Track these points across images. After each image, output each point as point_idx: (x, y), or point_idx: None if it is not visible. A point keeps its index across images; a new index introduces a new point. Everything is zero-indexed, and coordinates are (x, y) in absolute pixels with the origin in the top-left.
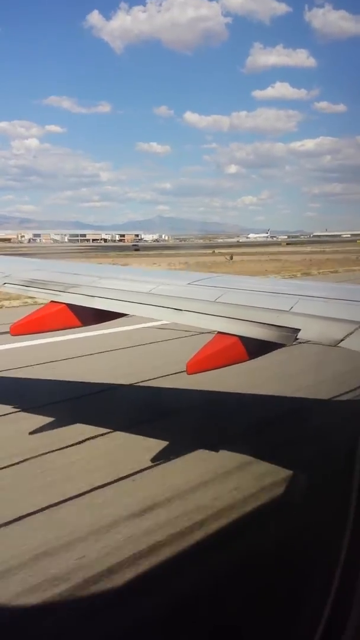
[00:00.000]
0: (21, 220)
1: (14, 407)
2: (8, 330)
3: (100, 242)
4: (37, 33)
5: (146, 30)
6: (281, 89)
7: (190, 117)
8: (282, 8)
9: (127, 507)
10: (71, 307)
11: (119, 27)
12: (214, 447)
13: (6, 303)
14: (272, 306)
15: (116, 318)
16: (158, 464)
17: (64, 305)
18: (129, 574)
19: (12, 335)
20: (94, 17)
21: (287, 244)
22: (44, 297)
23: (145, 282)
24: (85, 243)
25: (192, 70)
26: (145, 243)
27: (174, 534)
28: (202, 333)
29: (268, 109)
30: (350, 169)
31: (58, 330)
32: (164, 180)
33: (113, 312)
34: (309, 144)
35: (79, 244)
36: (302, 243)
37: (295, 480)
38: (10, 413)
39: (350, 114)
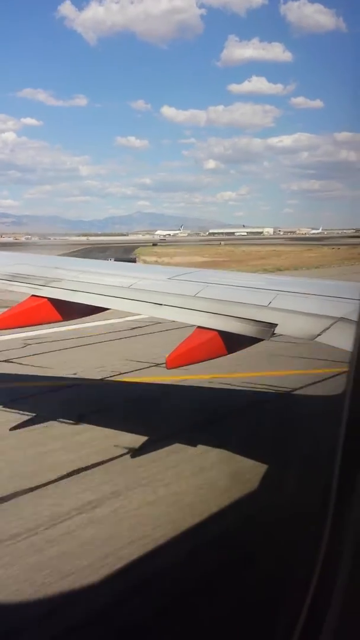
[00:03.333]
0: None
1: None
2: None
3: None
4: (8, 23)
5: (119, 21)
6: (257, 84)
7: (168, 111)
8: (258, 1)
9: None
10: (52, 301)
11: (92, 18)
12: None
13: None
14: (251, 301)
15: (97, 312)
16: None
17: (44, 299)
18: None
19: None
20: (66, 8)
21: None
22: (25, 291)
23: (126, 277)
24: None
25: (168, 64)
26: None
27: None
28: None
29: (245, 103)
30: (328, 166)
31: (38, 324)
32: (144, 175)
33: (94, 306)
34: (287, 140)
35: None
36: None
37: None
38: None
39: (326, 110)
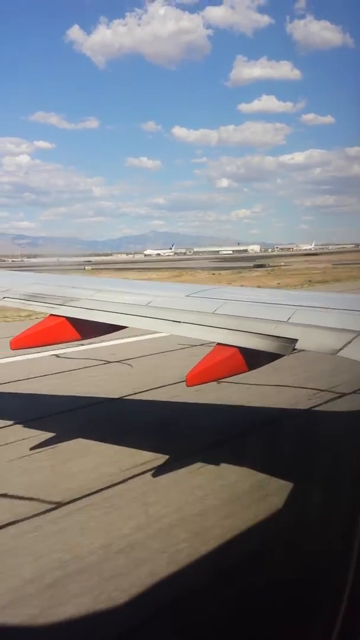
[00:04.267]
0: (14, 236)
1: None
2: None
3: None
4: (18, 48)
5: (127, 44)
6: (267, 102)
7: (179, 131)
8: (265, 20)
9: None
10: (70, 320)
11: (100, 41)
12: None
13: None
14: (270, 317)
15: (115, 331)
16: None
17: (63, 318)
18: None
19: (12, 349)
20: (75, 32)
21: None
22: (43, 310)
23: (143, 295)
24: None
25: (177, 84)
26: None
27: None
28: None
29: (255, 122)
30: (341, 181)
31: (57, 343)
32: (157, 195)
33: (112, 324)
34: (299, 157)
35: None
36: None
37: None
38: None
39: (337, 126)
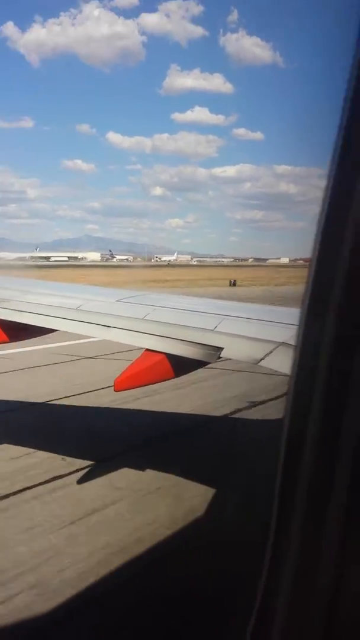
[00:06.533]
0: None
1: None
2: None
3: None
4: None
5: (62, 43)
6: (200, 114)
7: (113, 137)
8: (198, 31)
9: None
10: None
11: (34, 39)
12: None
13: None
14: (198, 325)
15: (45, 334)
16: None
17: None
18: None
19: None
20: (9, 29)
21: None
22: None
23: (74, 298)
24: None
25: (112, 89)
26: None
27: None
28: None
29: (189, 132)
30: (269, 197)
31: None
32: (92, 199)
33: (41, 327)
34: (230, 170)
35: None
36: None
37: None
38: None
39: (267, 142)
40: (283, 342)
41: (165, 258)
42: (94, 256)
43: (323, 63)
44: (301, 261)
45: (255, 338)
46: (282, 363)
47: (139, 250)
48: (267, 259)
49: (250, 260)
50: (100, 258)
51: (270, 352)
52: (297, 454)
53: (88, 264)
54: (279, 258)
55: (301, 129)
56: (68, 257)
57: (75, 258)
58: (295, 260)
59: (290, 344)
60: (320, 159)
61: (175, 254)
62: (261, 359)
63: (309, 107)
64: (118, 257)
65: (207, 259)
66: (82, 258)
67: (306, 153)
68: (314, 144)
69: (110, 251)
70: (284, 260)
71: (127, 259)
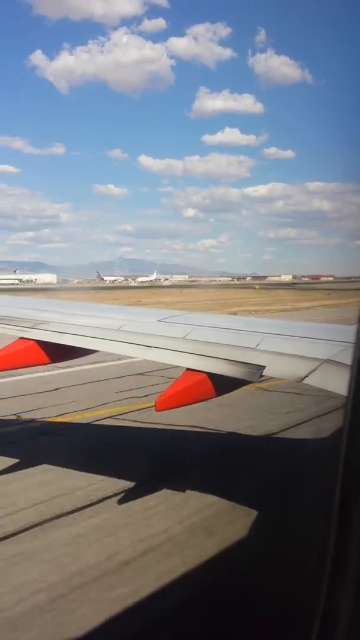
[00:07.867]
0: None
1: None
2: None
3: None
4: None
5: (90, 70)
6: (230, 135)
7: (145, 160)
8: (227, 53)
9: None
10: (41, 343)
11: (63, 67)
12: None
13: None
14: (239, 343)
15: (86, 355)
16: None
17: (32, 341)
18: None
19: None
20: (37, 57)
21: None
22: (13, 333)
23: (114, 319)
24: None
25: (142, 113)
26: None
27: None
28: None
29: (219, 154)
30: (302, 215)
31: (26, 367)
32: (125, 222)
33: (82, 348)
34: (262, 189)
35: None
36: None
37: None
38: None
39: (298, 160)
40: (328, 359)
41: (142, 279)
42: (49, 278)
43: (353, 77)
44: (306, 278)
45: (298, 355)
46: (327, 380)
47: (168, 270)
48: (266, 277)
49: (249, 279)
50: (56, 281)
51: (314, 369)
52: (358, 479)
53: (40, 286)
54: (280, 275)
55: (333, 144)
56: (19, 280)
57: (29, 281)
58: (301, 277)
59: (335, 361)
60: (355, 174)
61: (155, 273)
62: (305, 377)
63: (340, 122)
64: (109, 278)
65: (204, 279)
66: (31, 280)
67: (339, 168)
68: (348, 158)
69: (98, 272)
70: (286, 277)
71: (116, 280)
